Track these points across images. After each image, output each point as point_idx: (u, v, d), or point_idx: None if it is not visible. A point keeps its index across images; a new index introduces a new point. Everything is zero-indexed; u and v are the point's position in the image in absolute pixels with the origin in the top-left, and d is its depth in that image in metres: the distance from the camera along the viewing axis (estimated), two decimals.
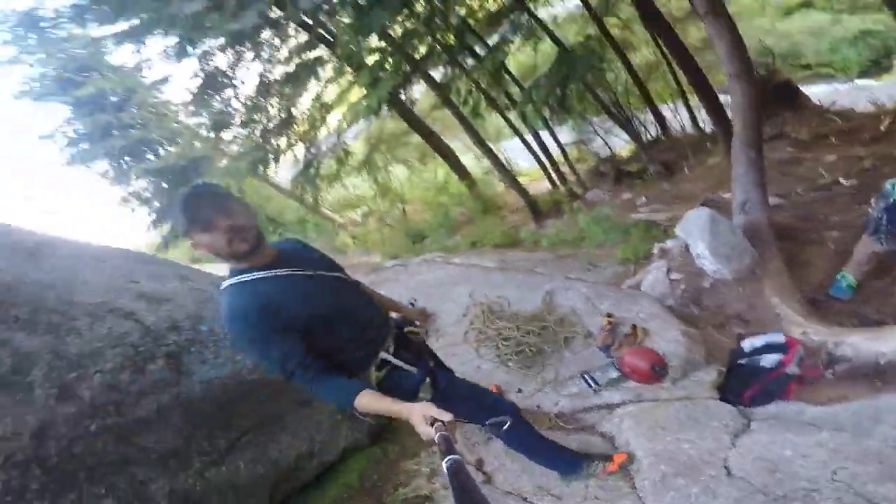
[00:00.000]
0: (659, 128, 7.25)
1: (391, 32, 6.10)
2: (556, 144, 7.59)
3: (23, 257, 2.03)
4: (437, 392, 1.51)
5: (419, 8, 5.49)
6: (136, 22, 5.76)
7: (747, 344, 2.29)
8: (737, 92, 3.40)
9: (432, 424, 1.23)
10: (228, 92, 7.76)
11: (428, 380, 1.53)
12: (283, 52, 7.55)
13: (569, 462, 1.83)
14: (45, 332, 1.76)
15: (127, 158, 10.46)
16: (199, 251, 1.33)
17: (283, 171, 9.80)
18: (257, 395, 2.15)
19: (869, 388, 1.88)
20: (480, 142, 7.30)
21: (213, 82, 7.46)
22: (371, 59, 6.42)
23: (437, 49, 6.12)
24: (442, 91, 6.81)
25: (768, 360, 2.09)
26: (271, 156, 8.10)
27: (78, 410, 1.68)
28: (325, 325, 1.37)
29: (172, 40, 6.16)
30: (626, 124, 7.40)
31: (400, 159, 10.82)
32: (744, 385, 2.11)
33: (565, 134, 8.35)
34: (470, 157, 9.56)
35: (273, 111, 8.02)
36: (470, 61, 6.42)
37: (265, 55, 7.43)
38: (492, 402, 1.75)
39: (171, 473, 1.81)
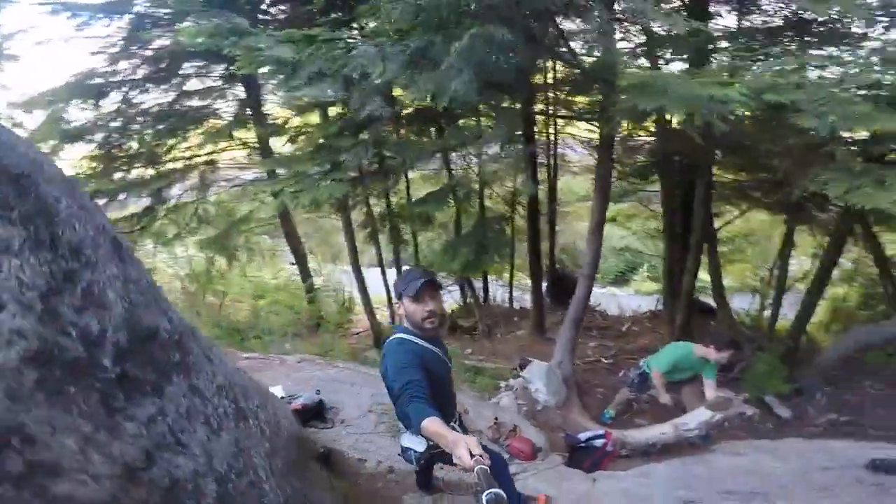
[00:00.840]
0: (483, 295, 9.48)
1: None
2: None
3: None
4: None
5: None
6: None
7: (582, 436, 3.84)
8: (581, 287, 5.29)
9: (471, 457, 1.44)
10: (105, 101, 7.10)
11: None
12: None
13: (519, 500, 2.66)
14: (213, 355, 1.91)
15: None
16: (399, 310, 2.24)
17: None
18: (297, 448, 2.46)
19: (641, 460, 3.57)
20: (356, 260, 8.11)
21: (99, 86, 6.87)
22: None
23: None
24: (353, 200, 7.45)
25: (597, 442, 3.66)
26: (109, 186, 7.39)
27: (270, 447, 1.83)
28: (433, 389, 2.04)
29: None
30: (463, 287, 9.48)
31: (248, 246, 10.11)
32: (583, 459, 3.60)
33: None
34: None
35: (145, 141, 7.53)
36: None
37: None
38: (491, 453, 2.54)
39: None
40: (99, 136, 7.43)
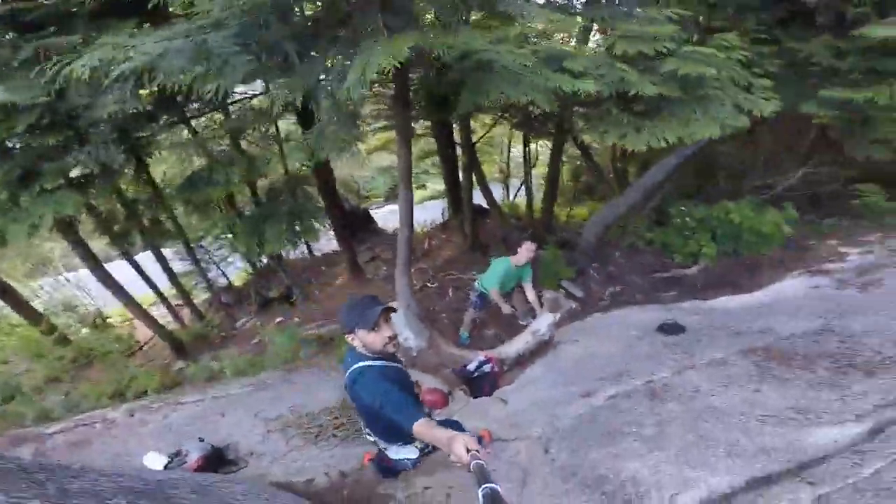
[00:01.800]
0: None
1: None
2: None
3: None
4: None
5: None
6: None
7: (470, 367, 4.59)
8: (403, 234, 5.53)
9: (468, 452, 1.50)
10: None
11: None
12: None
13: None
14: None
15: None
16: (354, 342, 2.31)
17: None
18: None
19: (517, 369, 4.58)
20: (101, 268, 6.54)
21: None
22: None
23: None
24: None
25: (486, 368, 4.47)
26: None
27: None
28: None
29: None
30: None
31: None
32: (482, 386, 4.39)
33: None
34: None
35: None
36: None
37: None
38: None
39: None
40: None
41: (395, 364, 2.46)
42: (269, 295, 8.20)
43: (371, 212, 10.89)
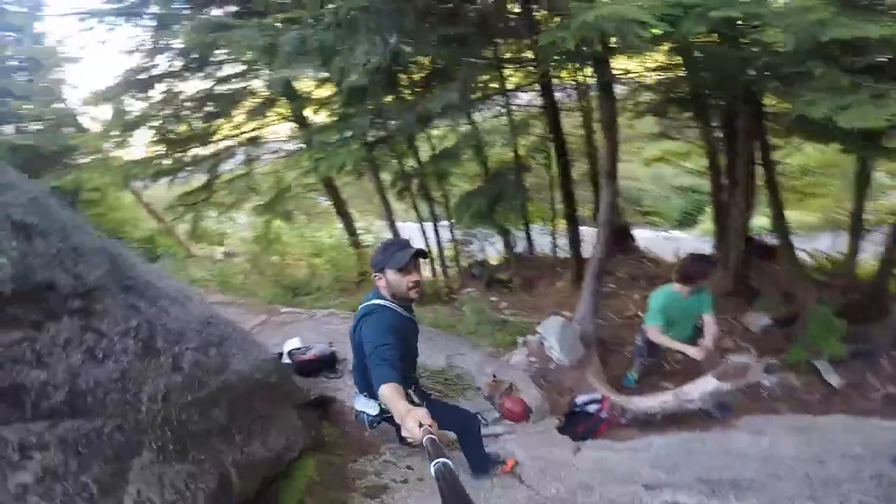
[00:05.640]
0: (527, 245, 9.09)
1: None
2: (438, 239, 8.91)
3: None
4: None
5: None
6: None
7: (579, 399, 3.62)
8: (601, 236, 4.98)
9: (420, 427, 1.45)
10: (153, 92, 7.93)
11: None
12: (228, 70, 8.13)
13: (484, 461, 2.68)
14: (153, 305, 2.14)
15: None
16: (380, 282, 2.30)
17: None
18: (260, 393, 2.59)
19: (642, 431, 3.29)
20: (390, 218, 8.36)
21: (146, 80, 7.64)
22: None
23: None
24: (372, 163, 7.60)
25: (591, 408, 3.43)
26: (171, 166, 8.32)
27: (182, 381, 1.99)
28: (402, 355, 2.13)
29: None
30: (508, 238, 9.20)
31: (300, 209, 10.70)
32: (576, 425, 3.40)
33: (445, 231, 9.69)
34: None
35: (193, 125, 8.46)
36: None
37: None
38: (463, 415, 2.68)
39: (233, 446, 2.11)
40: (155, 124, 8.37)
41: (410, 315, 2.41)
42: (495, 276, 8.47)
43: (636, 231, 9.60)
